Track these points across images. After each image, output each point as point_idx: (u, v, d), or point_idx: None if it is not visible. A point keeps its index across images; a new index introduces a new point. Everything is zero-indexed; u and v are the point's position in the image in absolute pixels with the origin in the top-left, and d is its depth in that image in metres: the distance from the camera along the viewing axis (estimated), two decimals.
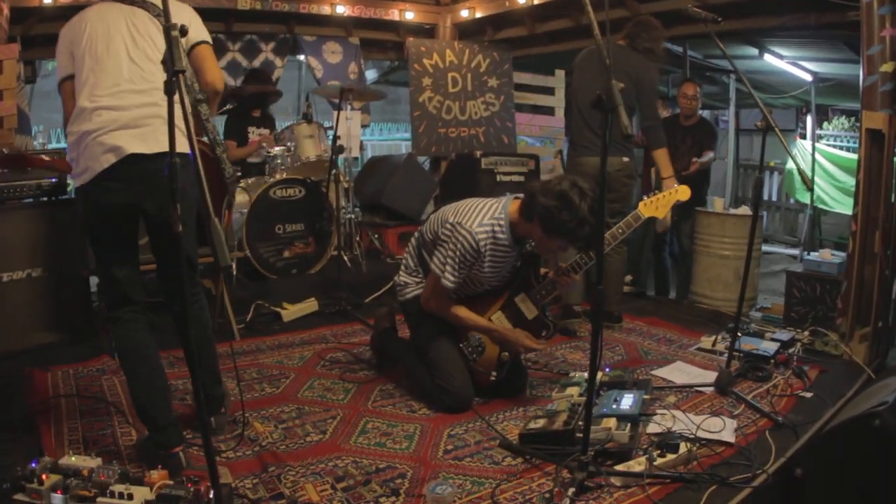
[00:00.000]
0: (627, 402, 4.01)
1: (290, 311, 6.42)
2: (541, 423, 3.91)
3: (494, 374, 4.55)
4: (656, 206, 4.61)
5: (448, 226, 4.38)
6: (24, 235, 5.11)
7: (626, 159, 5.97)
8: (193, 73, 3.78)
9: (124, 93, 3.44)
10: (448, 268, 4.36)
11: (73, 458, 3.27)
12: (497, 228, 4.34)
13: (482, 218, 4.34)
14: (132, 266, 3.66)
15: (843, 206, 12.19)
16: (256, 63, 9.10)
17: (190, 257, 3.74)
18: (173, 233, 2.53)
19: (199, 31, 3.79)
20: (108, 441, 3.89)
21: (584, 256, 4.49)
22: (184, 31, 2.50)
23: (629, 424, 3.80)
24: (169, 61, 2.47)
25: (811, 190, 5.85)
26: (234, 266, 6.53)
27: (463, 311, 4.56)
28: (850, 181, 12.01)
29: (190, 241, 3.76)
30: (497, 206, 4.41)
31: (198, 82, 3.81)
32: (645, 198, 4.72)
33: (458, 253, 4.32)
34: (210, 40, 3.86)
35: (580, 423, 3.64)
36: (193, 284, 3.82)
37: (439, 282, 4.39)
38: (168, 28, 2.48)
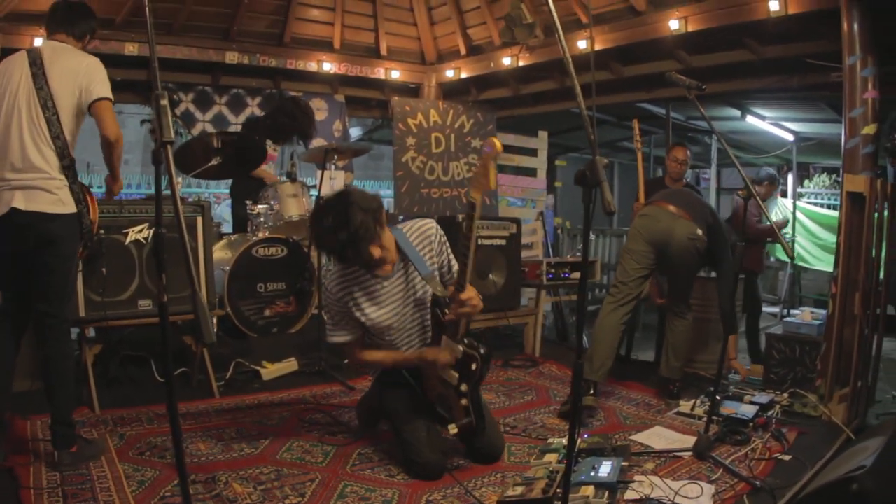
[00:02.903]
0: (605, 469, 4.03)
1: (270, 371, 6.43)
2: (519, 490, 3.91)
3: (464, 422, 4.45)
4: (479, 182, 4.07)
5: None
6: None
7: (699, 231, 5.83)
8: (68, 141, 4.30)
9: (17, 170, 4.13)
10: (329, 326, 4.67)
11: None
12: (349, 269, 4.52)
13: (334, 267, 4.60)
14: (15, 291, 4.35)
15: (824, 263, 12.31)
16: (242, 117, 9.16)
17: (56, 299, 4.29)
18: (159, 301, 2.59)
19: (99, 88, 4.29)
20: (86, 496, 3.89)
21: (460, 267, 4.31)
22: (175, 102, 2.59)
23: (607, 492, 3.82)
24: (157, 130, 2.52)
25: (792, 259, 5.91)
26: (214, 323, 6.49)
27: (379, 354, 4.69)
28: (831, 238, 12.15)
29: (61, 284, 4.31)
30: None
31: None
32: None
33: (328, 308, 4.62)
34: (109, 96, 4.33)
35: (558, 490, 3.65)
36: (59, 324, 4.32)
37: (334, 341, 4.65)
38: (157, 96, 2.53)
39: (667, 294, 6.37)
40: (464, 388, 4.41)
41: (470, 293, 4.23)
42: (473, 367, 4.39)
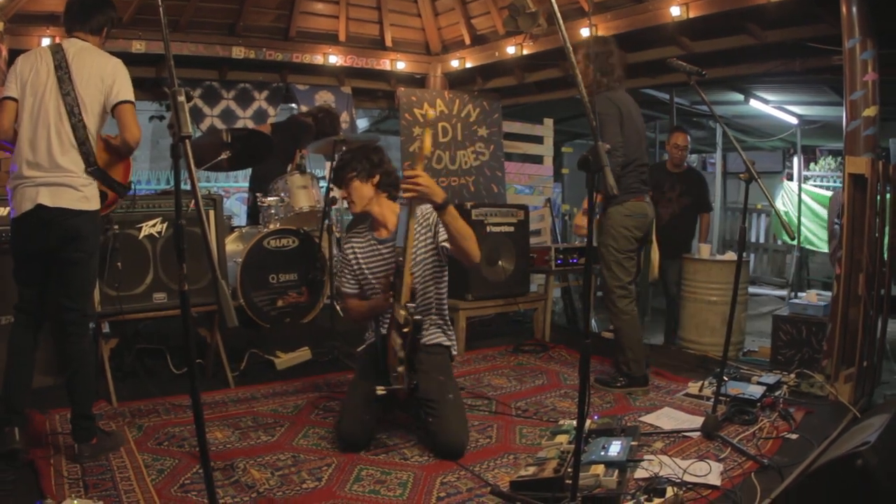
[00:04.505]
0: (615, 448, 4.08)
1: (284, 360, 6.47)
2: (531, 470, 3.97)
3: (393, 387, 4.55)
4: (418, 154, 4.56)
5: None
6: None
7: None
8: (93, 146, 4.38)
9: (44, 169, 4.19)
10: (340, 277, 5.16)
11: (76, 502, 3.40)
12: (360, 230, 5.11)
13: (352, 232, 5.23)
14: (36, 287, 4.40)
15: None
16: (249, 112, 9.22)
17: (78, 294, 4.40)
18: (180, 290, 2.68)
19: (123, 91, 4.35)
20: (107, 485, 3.95)
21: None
22: (189, 97, 2.64)
23: (617, 470, 3.87)
24: (176, 125, 2.59)
25: (793, 238, 5.96)
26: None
27: (361, 304, 5.10)
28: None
29: (84, 279, 4.43)
30: None
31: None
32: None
33: (339, 261, 5.18)
34: (132, 99, 4.39)
35: (569, 469, 3.72)
36: (81, 319, 4.43)
37: (340, 290, 5.10)
38: (174, 93, 2.60)
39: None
40: (401, 354, 4.53)
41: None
42: (406, 330, 4.50)
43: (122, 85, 4.34)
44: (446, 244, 4.72)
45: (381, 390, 4.51)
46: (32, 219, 4.19)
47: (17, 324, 4.44)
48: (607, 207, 6.00)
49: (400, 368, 4.51)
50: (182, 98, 2.57)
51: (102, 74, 4.32)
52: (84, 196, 4.28)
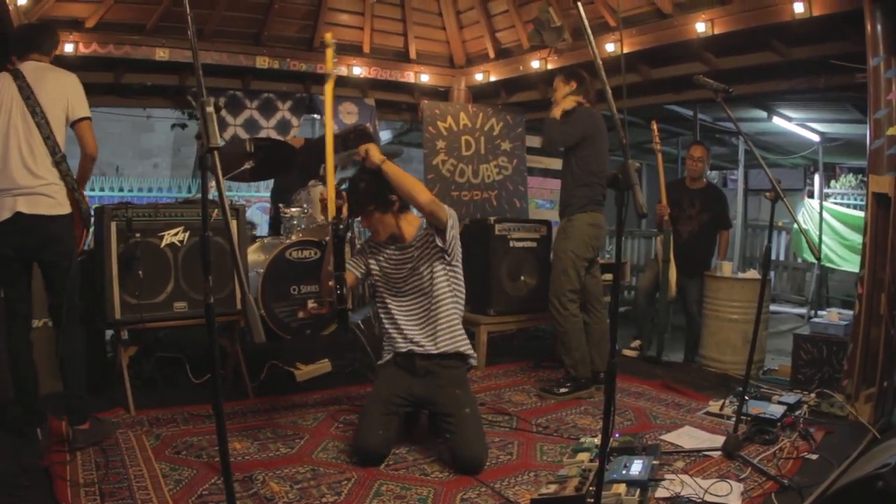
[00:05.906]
0: (637, 467, 4.07)
1: (304, 372, 6.41)
2: (552, 488, 3.96)
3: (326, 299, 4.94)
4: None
5: None
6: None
7: None
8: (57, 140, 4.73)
9: (18, 179, 4.55)
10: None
11: None
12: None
13: None
14: (19, 287, 4.80)
15: (851, 263, 12.20)
16: (273, 122, 9.24)
17: (63, 288, 4.72)
18: (206, 303, 2.70)
19: (80, 108, 4.83)
20: (124, 494, 3.96)
21: None
22: (217, 108, 2.65)
23: (638, 490, 3.86)
24: (204, 136, 2.60)
25: (819, 259, 5.85)
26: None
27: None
28: (858, 239, 12.01)
29: (66, 275, 4.73)
30: None
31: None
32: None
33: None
34: (89, 115, 4.88)
35: (591, 488, 3.71)
36: (69, 308, 4.75)
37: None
38: (202, 104, 2.60)
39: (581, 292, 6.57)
40: (330, 268, 4.85)
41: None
42: (327, 239, 4.95)
43: (78, 101, 4.81)
44: (440, 242, 4.84)
45: (311, 303, 4.92)
46: (11, 226, 4.56)
47: (10, 327, 4.82)
48: (572, 214, 6.32)
49: (330, 283, 4.78)
50: (210, 109, 2.58)
51: (64, 84, 4.79)
52: (58, 202, 4.69)
